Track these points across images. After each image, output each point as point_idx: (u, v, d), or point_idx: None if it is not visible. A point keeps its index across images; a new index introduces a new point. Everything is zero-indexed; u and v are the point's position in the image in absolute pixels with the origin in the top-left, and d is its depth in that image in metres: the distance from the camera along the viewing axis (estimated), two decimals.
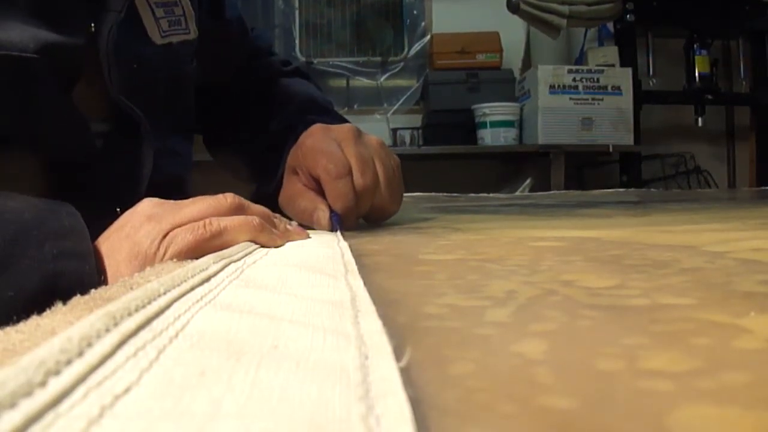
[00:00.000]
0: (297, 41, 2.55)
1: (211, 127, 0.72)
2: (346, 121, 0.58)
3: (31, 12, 0.39)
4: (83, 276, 0.31)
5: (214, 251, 0.31)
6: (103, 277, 0.32)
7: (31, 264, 0.30)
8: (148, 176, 0.49)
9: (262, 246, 0.36)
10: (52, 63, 0.40)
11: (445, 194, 1.34)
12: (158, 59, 0.52)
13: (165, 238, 0.33)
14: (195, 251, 0.33)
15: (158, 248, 0.32)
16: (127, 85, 0.47)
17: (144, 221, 0.33)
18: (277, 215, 0.43)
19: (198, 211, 0.34)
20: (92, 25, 0.44)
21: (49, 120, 0.42)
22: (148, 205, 0.35)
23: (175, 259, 0.32)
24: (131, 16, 0.48)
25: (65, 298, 0.20)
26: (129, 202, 0.36)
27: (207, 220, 0.34)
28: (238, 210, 0.36)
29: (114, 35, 0.45)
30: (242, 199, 0.38)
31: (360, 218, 0.50)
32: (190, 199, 0.36)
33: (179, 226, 0.33)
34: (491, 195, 1.43)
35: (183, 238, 0.33)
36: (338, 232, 0.43)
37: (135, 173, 0.49)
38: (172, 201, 0.35)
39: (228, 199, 0.36)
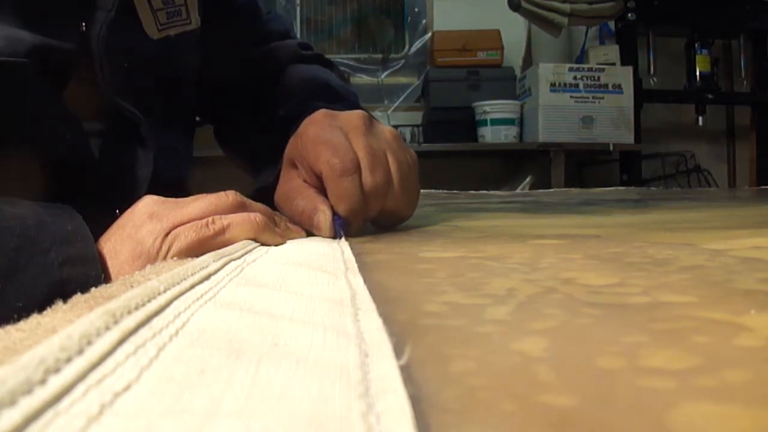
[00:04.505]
0: (297, 37, 2.54)
1: (220, 118, 0.68)
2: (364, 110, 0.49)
3: (18, 15, 0.38)
4: (90, 281, 0.30)
5: (217, 249, 0.31)
6: (106, 277, 0.32)
7: (38, 272, 0.29)
8: (149, 177, 0.47)
9: (263, 244, 0.36)
10: (43, 66, 0.39)
11: (445, 191, 1.34)
12: (155, 54, 0.49)
13: (167, 236, 0.33)
14: (198, 249, 0.32)
15: (161, 247, 0.32)
16: (122, 84, 0.45)
17: (146, 220, 0.33)
18: (277, 213, 0.42)
19: (200, 209, 0.34)
20: (83, 24, 0.43)
21: (41, 122, 0.41)
22: (148, 202, 0.35)
23: (177, 258, 0.32)
24: (126, 12, 0.46)
25: None
26: (128, 202, 0.35)
27: (210, 218, 0.34)
28: (239, 208, 0.36)
29: (105, 34, 0.43)
30: (243, 196, 0.37)
31: (367, 222, 0.44)
32: (191, 197, 0.36)
33: (181, 224, 0.33)
34: (491, 192, 1.43)
35: (186, 236, 0.33)
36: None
37: (134, 173, 0.47)
38: (172, 199, 0.35)
39: (229, 196, 0.36)
